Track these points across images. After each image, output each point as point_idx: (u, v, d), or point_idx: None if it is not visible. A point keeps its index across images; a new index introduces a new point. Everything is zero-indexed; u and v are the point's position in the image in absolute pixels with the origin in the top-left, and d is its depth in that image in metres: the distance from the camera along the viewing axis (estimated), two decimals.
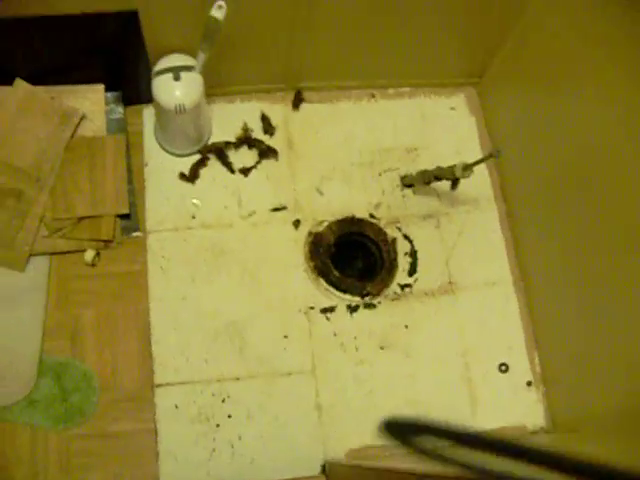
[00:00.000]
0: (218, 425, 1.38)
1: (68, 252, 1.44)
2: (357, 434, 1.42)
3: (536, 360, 1.52)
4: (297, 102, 1.66)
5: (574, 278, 1.39)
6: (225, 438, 1.38)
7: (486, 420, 1.47)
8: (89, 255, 1.43)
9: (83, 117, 1.53)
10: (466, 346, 1.51)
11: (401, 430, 0.57)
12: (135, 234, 1.49)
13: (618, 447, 1.18)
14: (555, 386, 1.48)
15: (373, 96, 1.71)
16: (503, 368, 1.50)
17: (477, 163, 1.36)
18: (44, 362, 1.35)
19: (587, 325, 1.35)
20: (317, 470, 1.38)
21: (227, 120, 1.61)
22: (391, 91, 1.72)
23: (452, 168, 1.41)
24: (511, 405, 1.49)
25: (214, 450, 1.36)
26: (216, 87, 1.59)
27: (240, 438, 1.38)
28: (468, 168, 1.39)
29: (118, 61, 1.53)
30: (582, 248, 1.35)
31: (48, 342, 1.38)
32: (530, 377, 1.50)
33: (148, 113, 1.60)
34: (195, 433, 1.37)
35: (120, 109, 1.58)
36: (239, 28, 1.39)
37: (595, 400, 1.33)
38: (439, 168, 1.48)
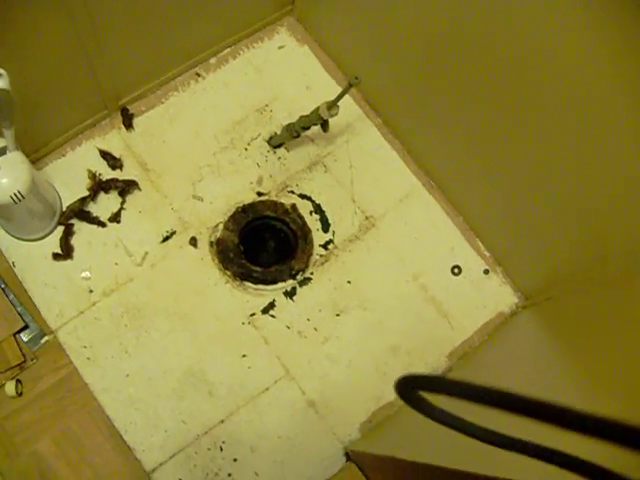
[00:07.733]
0: (230, 474, 1.30)
1: None
2: (359, 407, 1.37)
3: (481, 247, 1.49)
4: (127, 120, 1.50)
5: (474, 149, 1.34)
6: None
7: (466, 326, 1.44)
8: (10, 388, 1.28)
9: None
10: (413, 269, 1.46)
11: (412, 389, 0.52)
12: (43, 340, 1.34)
13: (598, 295, 1.17)
14: (510, 261, 1.45)
15: (198, 75, 1.56)
16: (456, 271, 1.46)
17: (339, 98, 1.25)
18: None
19: (509, 188, 1.31)
20: (342, 461, 1.34)
21: (69, 176, 1.44)
22: (213, 60, 1.57)
23: (316, 112, 1.30)
24: (480, 300, 1.46)
25: None
26: (39, 149, 1.42)
27: (257, 474, 1.31)
28: (333, 106, 1.28)
29: None
30: (464, 114, 1.30)
31: None
32: (484, 265, 1.47)
33: None
34: None
35: None
36: (32, 84, 1.22)
37: (553, 257, 1.31)
38: (303, 117, 1.37)
